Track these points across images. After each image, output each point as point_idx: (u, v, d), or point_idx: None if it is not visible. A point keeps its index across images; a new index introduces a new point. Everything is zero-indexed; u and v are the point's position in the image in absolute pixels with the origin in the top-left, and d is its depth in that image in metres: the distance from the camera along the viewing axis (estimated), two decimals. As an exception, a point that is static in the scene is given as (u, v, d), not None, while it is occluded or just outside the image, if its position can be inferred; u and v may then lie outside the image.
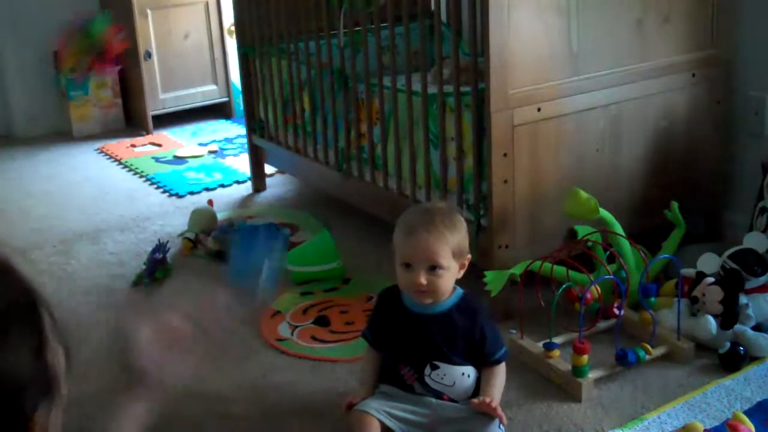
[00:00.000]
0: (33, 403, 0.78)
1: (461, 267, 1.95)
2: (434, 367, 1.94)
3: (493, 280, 2.33)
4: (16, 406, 0.77)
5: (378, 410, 1.92)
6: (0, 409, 0.75)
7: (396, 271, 1.95)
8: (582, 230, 2.48)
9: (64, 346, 0.86)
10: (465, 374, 1.96)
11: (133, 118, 4.86)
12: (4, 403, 0.76)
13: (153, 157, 4.32)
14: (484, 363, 1.97)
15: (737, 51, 2.78)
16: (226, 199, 3.69)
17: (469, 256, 1.96)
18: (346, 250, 2.93)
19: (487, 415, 1.88)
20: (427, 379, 1.95)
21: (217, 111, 4.97)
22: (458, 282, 1.98)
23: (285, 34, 3.33)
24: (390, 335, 2.01)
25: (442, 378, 1.94)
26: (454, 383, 1.95)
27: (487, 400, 1.88)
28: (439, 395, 1.96)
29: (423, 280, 1.89)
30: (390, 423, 1.92)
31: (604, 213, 2.42)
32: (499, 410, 1.88)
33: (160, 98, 4.75)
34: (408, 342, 1.97)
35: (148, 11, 4.61)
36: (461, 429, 1.91)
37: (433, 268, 1.89)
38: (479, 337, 1.94)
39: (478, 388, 1.97)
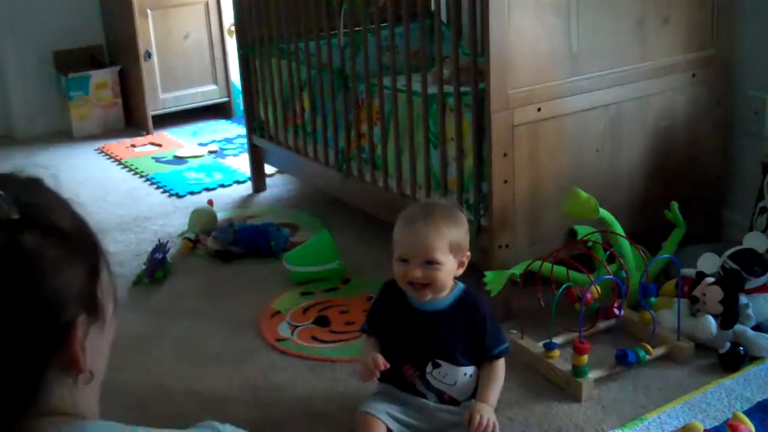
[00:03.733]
0: (73, 313, 0.83)
1: (460, 265, 1.92)
2: (436, 365, 1.93)
3: (493, 280, 2.33)
4: (59, 316, 0.82)
5: (382, 412, 1.91)
6: (42, 314, 0.81)
7: (393, 266, 1.94)
8: (582, 230, 2.48)
9: (114, 297, 0.93)
10: (466, 374, 1.95)
11: (133, 118, 4.86)
12: (47, 310, 0.81)
13: (153, 157, 4.32)
14: (483, 357, 1.95)
15: (737, 51, 2.78)
16: (226, 199, 3.69)
17: (469, 254, 1.94)
18: (346, 250, 2.93)
19: None
20: (428, 377, 1.94)
21: (217, 111, 4.96)
22: (458, 280, 1.98)
23: (285, 34, 3.32)
24: (392, 330, 1.99)
25: (443, 377, 1.93)
26: (456, 383, 1.94)
27: (482, 424, 1.85)
28: (440, 394, 1.95)
29: (419, 273, 1.87)
30: (393, 426, 1.91)
31: (604, 213, 2.42)
32: (495, 427, 1.87)
33: (160, 98, 4.75)
34: (411, 338, 1.95)
35: (148, 11, 4.61)
36: None
37: (430, 262, 1.87)
38: (480, 330, 1.93)
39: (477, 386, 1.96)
